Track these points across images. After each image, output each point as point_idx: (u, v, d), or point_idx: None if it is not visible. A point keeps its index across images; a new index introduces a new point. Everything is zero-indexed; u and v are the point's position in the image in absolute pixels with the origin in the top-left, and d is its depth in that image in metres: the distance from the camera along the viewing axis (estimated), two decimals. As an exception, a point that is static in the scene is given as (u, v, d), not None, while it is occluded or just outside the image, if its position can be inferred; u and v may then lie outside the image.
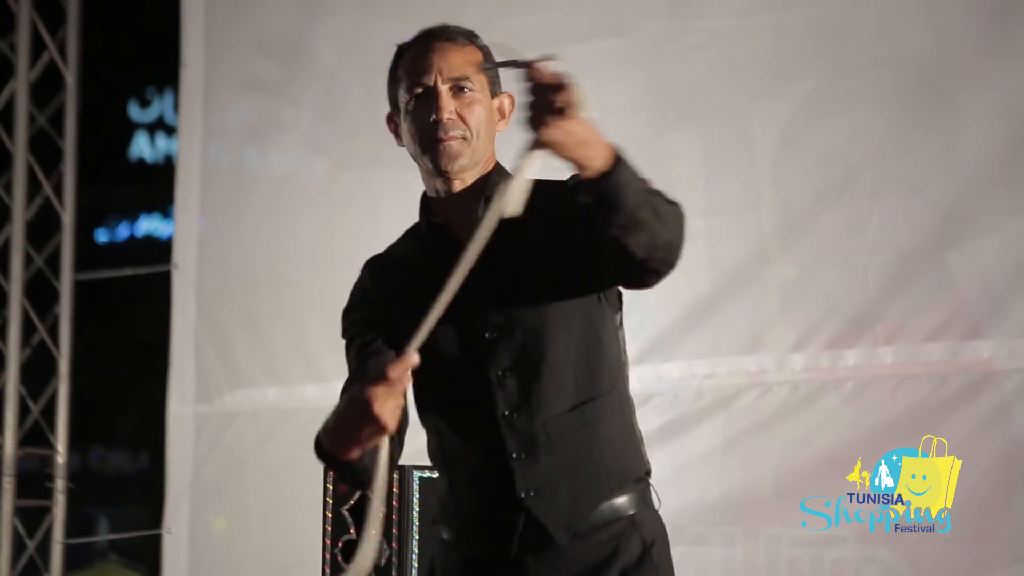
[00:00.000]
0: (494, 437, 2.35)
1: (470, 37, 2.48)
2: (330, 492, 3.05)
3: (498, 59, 2.40)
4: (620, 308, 2.48)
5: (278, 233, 5.48)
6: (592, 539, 2.34)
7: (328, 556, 3.06)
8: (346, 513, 3.01)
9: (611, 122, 5.10)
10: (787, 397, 4.29)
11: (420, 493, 2.95)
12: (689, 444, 4.54)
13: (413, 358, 2.08)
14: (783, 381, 4.30)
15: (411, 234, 2.56)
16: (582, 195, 2.14)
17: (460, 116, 2.39)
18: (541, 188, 2.19)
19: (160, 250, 6.18)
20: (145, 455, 12.30)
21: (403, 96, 2.44)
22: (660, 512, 2.48)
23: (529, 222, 2.18)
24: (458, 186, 2.43)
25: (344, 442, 2.17)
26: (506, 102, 2.48)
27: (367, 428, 2.09)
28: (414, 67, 2.42)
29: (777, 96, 4.32)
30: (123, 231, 12.98)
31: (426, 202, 2.51)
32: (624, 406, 2.45)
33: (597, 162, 2.09)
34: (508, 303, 2.33)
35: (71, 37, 6.03)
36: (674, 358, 4.52)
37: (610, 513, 2.36)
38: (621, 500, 2.38)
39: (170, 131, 12.20)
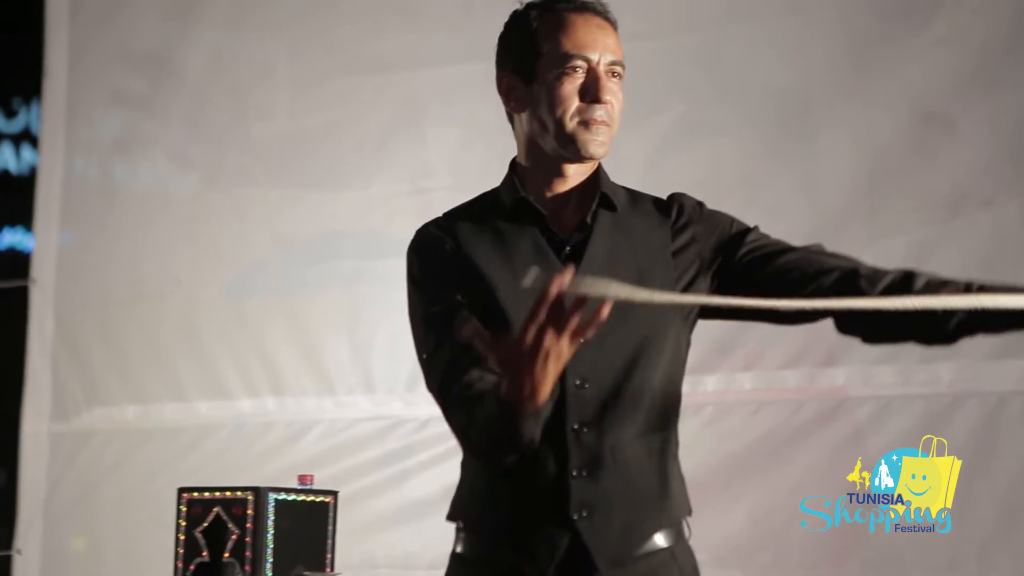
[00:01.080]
0: (557, 449, 2.18)
1: (615, 23, 2.29)
2: (183, 514, 3.01)
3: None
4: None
5: (141, 248, 5.40)
6: (632, 569, 2.20)
7: (180, 579, 3.01)
8: (199, 536, 2.97)
9: (482, 145, 5.17)
10: (648, 421, 4.33)
11: (275, 515, 2.92)
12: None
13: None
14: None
15: (486, 206, 2.37)
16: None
17: (611, 103, 2.24)
18: (646, 201, 2.25)
19: (22, 264, 6.05)
20: (-2, 473, 12.00)
21: (550, 62, 2.23)
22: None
23: (635, 227, 2.20)
24: (579, 171, 2.28)
25: (528, 394, 1.95)
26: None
27: (549, 367, 1.92)
28: (574, 37, 2.21)
29: (644, 124, 4.37)
30: (-16, 244, 12.69)
31: (517, 171, 2.35)
32: (677, 444, 2.31)
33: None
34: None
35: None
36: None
37: (652, 545, 2.22)
38: (663, 533, 2.24)
39: (36, 142, 11.94)
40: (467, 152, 4.88)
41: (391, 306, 4.96)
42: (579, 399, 2.18)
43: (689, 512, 2.31)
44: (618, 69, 2.24)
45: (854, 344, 4.05)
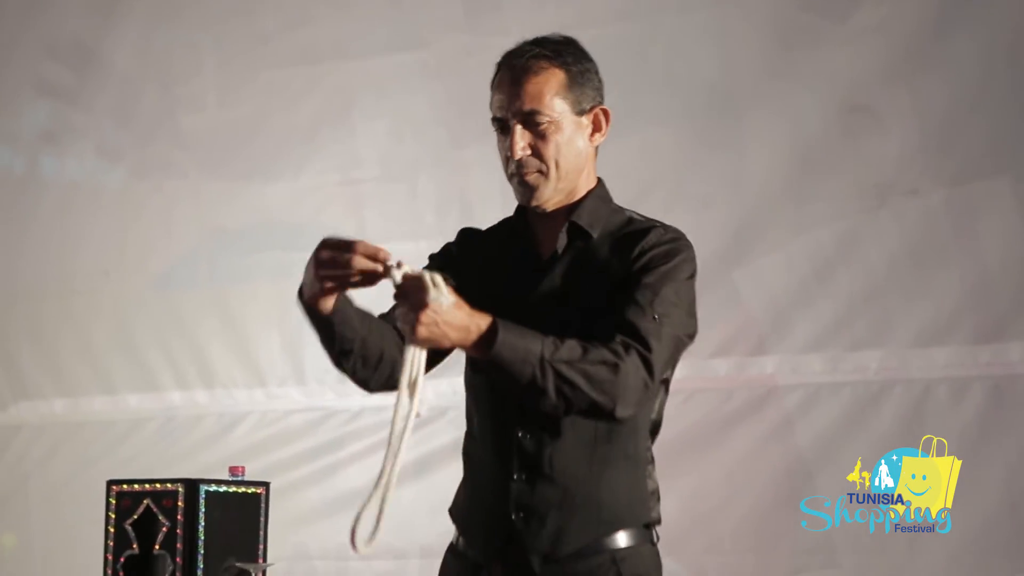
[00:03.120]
0: (503, 454, 2.38)
1: (553, 56, 2.42)
2: (112, 507, 2.98)
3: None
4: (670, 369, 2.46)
5: (68, 241, 5.35)
6: (567, 568, 2.35)
7: (110, 572, 2.99)
8: (128, 528, 2.95)
9: (412, 136, 5.16)
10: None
11: (206, 507, 2.91)
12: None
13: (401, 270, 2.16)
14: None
15: (503, 224, 2.56)
16: (479, 371, 2.29)
17: (536, 150, 2.39)
18: (631, 230, 2.39)
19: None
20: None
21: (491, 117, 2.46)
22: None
23: (599, 252, 2.36)
24: (544, 208, 2.43)
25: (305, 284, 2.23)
26: (600, 114, 2.47)
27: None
28: (494, 96, 2.43)
29: (574, 113, 4.37)
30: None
31: (520, 206, 2.51)
32: (640, 459, 2.43)
33: (476, 342, 2.18)
34: (553, 324, 2.27)
35: None
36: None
37: (592, 549, 2.36)
38: (608, 539, 2.37)
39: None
40: (397, 143, 4.87)
41: (322, 297, 4.98)
42: (525, 409, 2.34)
43: (649, 520, 2.41)
44: (537, 116, 2.37)
45: (783, 333, 4.15)
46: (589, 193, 2.47)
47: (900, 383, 4.11)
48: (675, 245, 2.40)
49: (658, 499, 2.46)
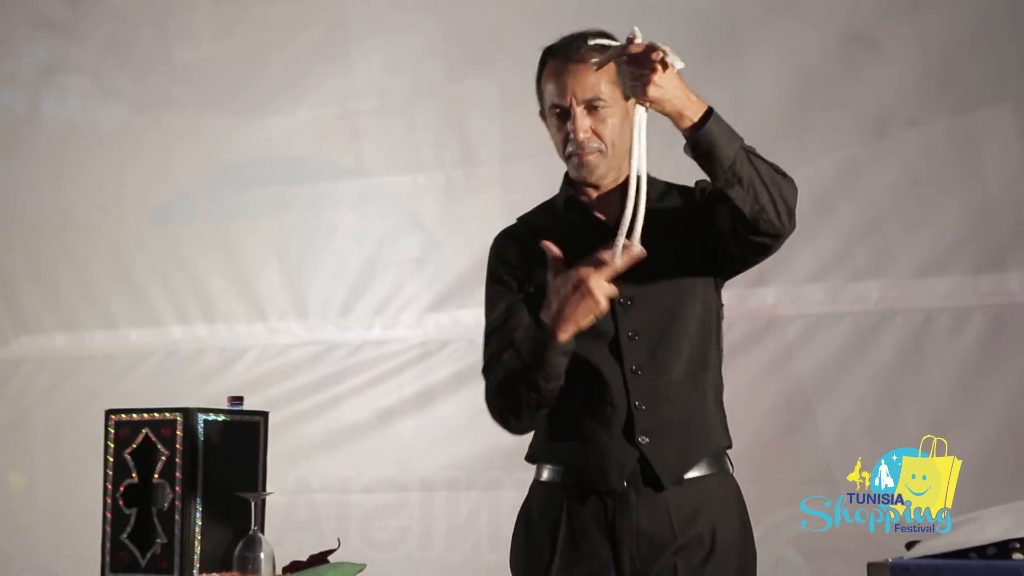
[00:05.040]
0: (620, 388, 2.65)
1: (602, 49, 2.65)
2: (111, 436, 2.98)
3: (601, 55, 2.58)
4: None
5: (65, 177, 5.35)
6: (690, 487, 2.65)
7: (110, 501, 2.99)
8: (128, 457, 2.95)
9: (408, 69, 5.12)
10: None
11: (205, 436, 2.91)
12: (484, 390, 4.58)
13: (635, 248, 2.48)
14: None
15: (546, 208, 2.84)
16: (687, 150, 2.50)
17: (595, 132, 2.68)
18: (676, 190, 2.74)
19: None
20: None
21: (546, 104, 2.73)
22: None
23: (666, 211, 2.65)
24: (600, 184, 2.72)
25: (561, 320, 2.50)
26: None
27: (583, 304, 2.48)
28: (552, 87, 2.69)
29: (572, 44, 4.35)
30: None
31: (570, 182, 2.77)
32: (720, 385, 2.77)
33: (692, 115, 2.46)
34: (644, 276, 2.59)
35: None
36: (470, 304, 4.55)
37: (707, 467, 2.68)
38: (712, 460, 2.70)
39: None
40: (393, 75, 4.85)
41: (322, 230, 4.97)
42: (632, 348, 2.66)
43: (729, 445, 2.75)
44: (596, 102, 2.67)
45: (784, 264, 4.14)
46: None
47: (901, 313, 4.11)
48: None
49: None
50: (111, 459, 2.97)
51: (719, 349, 2.78)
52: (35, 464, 5.33)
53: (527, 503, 2.78)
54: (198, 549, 2.92)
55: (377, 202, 4.86)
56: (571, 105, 2.67)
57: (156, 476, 2.92)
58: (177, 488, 2.89)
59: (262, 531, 2.94)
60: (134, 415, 2.97)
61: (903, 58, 4.14)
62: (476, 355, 4.59)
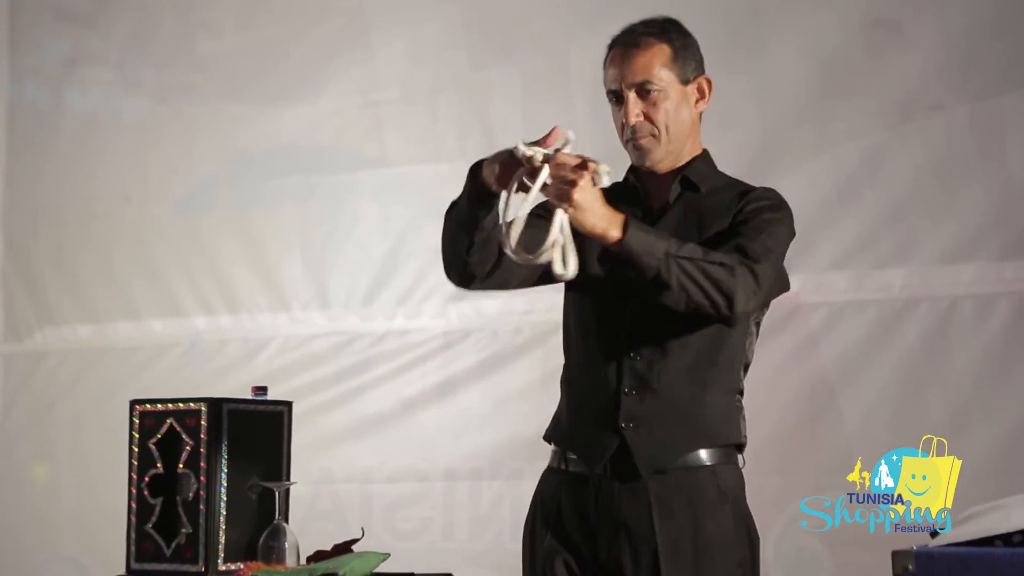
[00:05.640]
0: (616, 374, 2.65)
1: (659, 33, 2.72)
2: (136, 426, 3.00)
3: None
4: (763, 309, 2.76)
5: (88, 167, 5.36)
6: (672, 478, 2.63)
7: (135, 491, 3.01)
8: (152, 447, 2.96)
9: (430, 59, 5.12)
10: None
11: (229, 426, 2.92)
12: (507, 379, 4.59)
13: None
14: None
15: (615, 186, 2.76)
16: (608, 263, 2.57)
17: (648, 117, 2.69)
18: (734, 187, 2.72)
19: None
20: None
21: (606, 90, 2.75)
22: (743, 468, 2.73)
23: (707, 206, 2.68)
24: (656, 169, 2.73)
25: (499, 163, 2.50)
26: (703, 83, 2.76)
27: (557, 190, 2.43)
28: (608, 72, 2.73)
29: (594, 31, 4.33)
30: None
31: (632, 167, 2.78)
32: (734, 388, 2.73)
33: (612, 233, 2.47)
34: None
35: None
36: (492, 295, 4.55)
37: (693, 461, 2.65)
38: (706, 453, 2.66)
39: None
40: (415, 65, 4.85)
41: (344, 220, 4.98)
42: (634, 330, 2.65)
43: (736, 440, 2.70)
44: (647, 86, 2.68)
45: (808, 252, 4.12)
46: (695, 157, 2.76)
47: (925, 300, 4.10)
48: (781, 202, 2.72)
49: (745, 424, 2.72)
50: (136, 449, 2.98)
51: (743, 353, 2.75)
52: (59, 456, 5.35)
53: (537, 489, 2.80)
54: (223, 539, 2.94)
55: (400, 192, 4.86)
56: (622, 89, 2.69)
57: (181, 466, 2.94)
58: (202, 478, 2.91)
59: (286, 521, 2.96)
60: (159, 405, 2.99)
61: (926, 43, 4.12)
62: (498, 344, 4.65)
